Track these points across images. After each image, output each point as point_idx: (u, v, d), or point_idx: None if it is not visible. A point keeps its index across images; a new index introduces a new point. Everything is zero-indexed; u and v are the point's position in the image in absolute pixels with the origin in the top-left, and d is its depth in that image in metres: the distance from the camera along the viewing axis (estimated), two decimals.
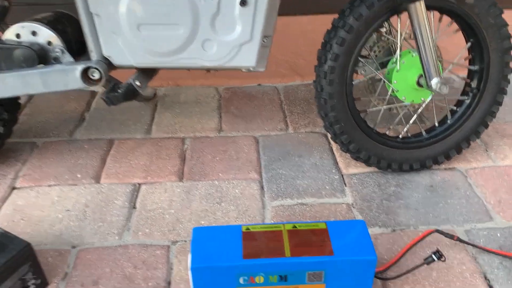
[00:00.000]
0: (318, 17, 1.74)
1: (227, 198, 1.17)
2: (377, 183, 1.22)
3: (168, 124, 1.48)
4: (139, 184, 1.22)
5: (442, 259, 0.90)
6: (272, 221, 1.10)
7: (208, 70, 1.15)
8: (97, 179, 1.24)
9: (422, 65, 1.08)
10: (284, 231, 0.87)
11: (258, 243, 0.84)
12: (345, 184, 1.22)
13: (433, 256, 0.84)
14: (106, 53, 1.03)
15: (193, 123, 1.49)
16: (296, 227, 0.88)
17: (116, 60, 1.04)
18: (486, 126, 1.21)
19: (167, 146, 1.37)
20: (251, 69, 1.08)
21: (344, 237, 0.85)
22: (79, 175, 1.25)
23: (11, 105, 1.17)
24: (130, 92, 0.98)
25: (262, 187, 1.21)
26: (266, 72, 1.73)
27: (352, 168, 1.27)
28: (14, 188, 1.21)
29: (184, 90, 1.69)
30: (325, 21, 1.78)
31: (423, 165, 1.22)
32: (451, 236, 0.99)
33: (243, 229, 0.88)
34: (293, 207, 1.14)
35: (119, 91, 0.98)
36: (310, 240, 0.85)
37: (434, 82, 1.07)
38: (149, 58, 1.02)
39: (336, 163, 1.30)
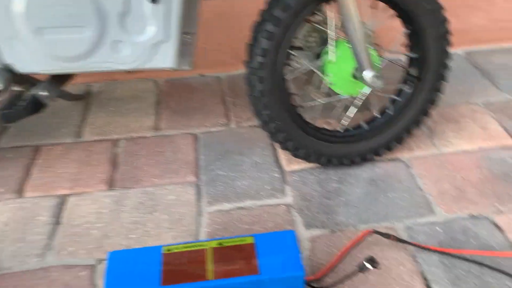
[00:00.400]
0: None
1: (160, 207, 1.10)
2: (318, 179, 1.17)
3: (101, 125, 1.39)
4: (66, 196, 1.13)
5: (377, 266, 0.86)
6: (207, 230, 1.04)
7: (128, 71, 1.05)
8: (20, 192, 1.14)
9: (354, 56, 1.02)
10: (208, 249, 0.82)
11: (179, 266, 0.79)
12: (285, 182, 1.17)
13: (366, 264, 0.81)
14: (7, 60, 0.92)
15: (128, 122, 1.40)
16: (221, 244, 0.83)
17: (19, 68, 0.93)
18: (427, 115, 1.18)
19: (98, 150, 1.28)
20: (175, 68, 1.00)
21: (272, 252, 0.81)
22: (1, 190, 1.15)
23: None
24: (34, 105, 0.89)
25: (199, 191, 1.15)
26: (208, 61, 1.64)
27: (294, 164, 1.22)
28: None
29: (120, 85, 1.58)
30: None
31: (364, 158, 1.18)
32: (387, 236, 0.96)
33: (164, 250, 0.81)
34: (230, 213, 1.08)
35: (20, 103, 0.88)
36: (235, 258, 0.80)
37: (366, 74, 1.01)
38: (55, 63, 0.92)
39: (277, 159, 1.24)
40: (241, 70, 1.67)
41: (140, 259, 0.79)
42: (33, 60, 0.92)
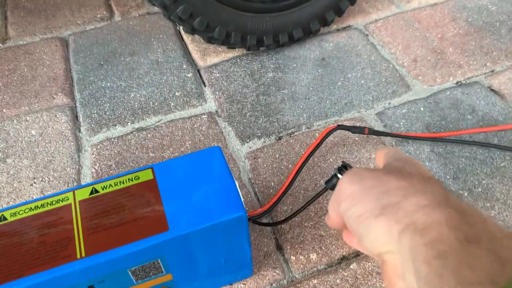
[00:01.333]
0: None
1: (16, 149, 0.71)
2: (249, 71, 0.82)
3: None
4: None
5: None
6: (93, 171, 0.68)
7: None
8: None
9: None
10: (74, 206, 0.46)
11: (20, 245, 0.43)
12: (203, 83, 0.81)
13: (338, 174, 0.50)
14: None
15: None
16: (97, 190, 0.47)
17: None
18: None
19: None
20: None
21: (186, 187, 0.47)
22: None
23: None
24: None
25: (76, 117, 0.77)
26: None
27: (212, 57, 0.85)
28: None
29: None
30: None
31: (307, 31, 0.84)
32: (360, 130, 0.66)
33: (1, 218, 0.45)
34: (126, 138, 0.72)
35: None
36: (122, 211, 0.45)
37: None
38: None
39: (188, 53, 0.87)
40: None
41: None
42: None
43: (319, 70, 0.81)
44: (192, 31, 0.77)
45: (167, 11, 0.73)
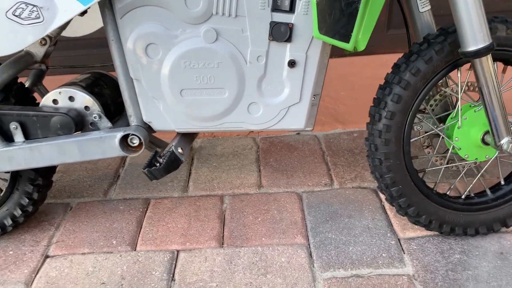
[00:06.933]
0: (354, 59, 1.66)
1: (273, 268, 1.07)
2: (439, 249, 1.09)
3: (205, 180, 1.41)
4: (178, 252, 1.13)
5: None
6: None
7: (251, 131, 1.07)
8: (133, 245, 1.16)
9: (489, 122, 0.97)
10: None
11: None
12: (403, 251, 1.10)
13: None
14: (146, 119, 0.97)
15: (231, 178, 1.41)
16: None
17: (156, 126, 0.98)
18: None
19: (205, 205, 1.29)
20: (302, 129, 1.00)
21: None
22: (114, 242, 1.17)
23: (47, 170, 1.12)
24: (172, 161, 0.91)
25: (310, 255, 1.11)
26: None
27: (410, 231, 1.15)
28: (47, 256, 1.14)
29: (220, 142, 1.62)
30: (362, 63, 1.71)
31: (490, 229, 1.10)
32: None
33: None
34: (347, 280, 1.03)
35: (160, 160, 0.91)
36: None
37: (505, 141, 0.96)
38: (191, 123, 0.95)
39: (390, 224, 1.19)
40: (338, 129, 1.67)
41: None
42: (171, 119, 0.96)
43: (498, 262, 1.05)
44: (405, 214, 1.09)
45: (391, 199, 1.07)
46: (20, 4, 0.82)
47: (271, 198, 1.32)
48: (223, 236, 1.18)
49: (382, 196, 1.29)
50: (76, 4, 0.83)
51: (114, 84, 1.09)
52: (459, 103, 1.02)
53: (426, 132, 1.09)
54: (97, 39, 1.40)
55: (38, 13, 0.83)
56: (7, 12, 0.83)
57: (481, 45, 0.88)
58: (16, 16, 0.83)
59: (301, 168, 1.45)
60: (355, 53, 1.61)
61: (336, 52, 1.63)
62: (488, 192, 1.11)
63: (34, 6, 0.83)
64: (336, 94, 1.68)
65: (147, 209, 1.29)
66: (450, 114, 1.06)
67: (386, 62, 1.67)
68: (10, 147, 0.98)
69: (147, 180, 1.42)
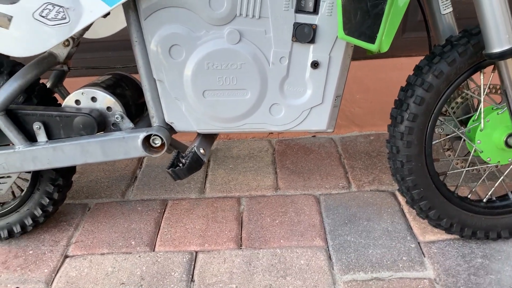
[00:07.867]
0: (369, 62, 1.66)
1: (292, 271, 1.07)
2: (460, 253, 1.08)
3: (222, 182, 1.41)
4: (196, 253, 1.13)
5: None
6: None
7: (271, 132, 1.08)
8: (151, 246, 1.16)
9: None
10: None
11: None
12: (423, 254, 1.09)
13: None
14: (168, 120, 0.98)
15: (248, 180, 1.41)
16: None
17: (178, 127, 0.98)
18: None
19: (223, 207, 1.29)
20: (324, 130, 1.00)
21: None
22: (133, 242, 1.18)
23: (67, 170, 1.13)
24: (195, 162, 0.92)
25: (329, 257, 1.10)
26: None
27: (430, 235, 1.14)
28: (66, 256, 1.15)
29: (236, 144, 1.62)
30: (376, 66, 1.70)
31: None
32: None
33: None
34: (368, 283, 1.02)
35: (183, 161, 0.91)
36: None
37: None
38: (213, 124, 0.96)
39: (410, 228, 1.18)
40: (355, 132, 1.67)
41: None
42: (193, 120, 0.96)
43: None
44: (425, 218, 1.08)
45: (412, 201, 1.06)
46: (48, 5, 0.83)
47: (288, 200, 1.32)
48: (241, 237, 1.18)
49: (401, 199, 1.28)
50: (102, 5, 0.84)
51: (134, 86, 1.10)
52: (481, 105, 1.01)
53: (447, 135, 1.09)
54: (117, 42, 1.42)
55: (64, 14, 0.84)
56: (34, 12, 0.84)
57: (506, 46, 0.88)
58: (43, 16, 0.84)
59: (318, 171, 1.45)
60: (370, 56, 1.61)
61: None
62: (510, 195, 1.10)
63: (61, 7, 0.83)
64: (352, 96, 1.67)
65: (165, 210, 1.29)
66: (471, 116, 1.05)
67: (401, 65, 1.66)
68: (34, 147, 0.99)
69: (164, 181, 1.42)
